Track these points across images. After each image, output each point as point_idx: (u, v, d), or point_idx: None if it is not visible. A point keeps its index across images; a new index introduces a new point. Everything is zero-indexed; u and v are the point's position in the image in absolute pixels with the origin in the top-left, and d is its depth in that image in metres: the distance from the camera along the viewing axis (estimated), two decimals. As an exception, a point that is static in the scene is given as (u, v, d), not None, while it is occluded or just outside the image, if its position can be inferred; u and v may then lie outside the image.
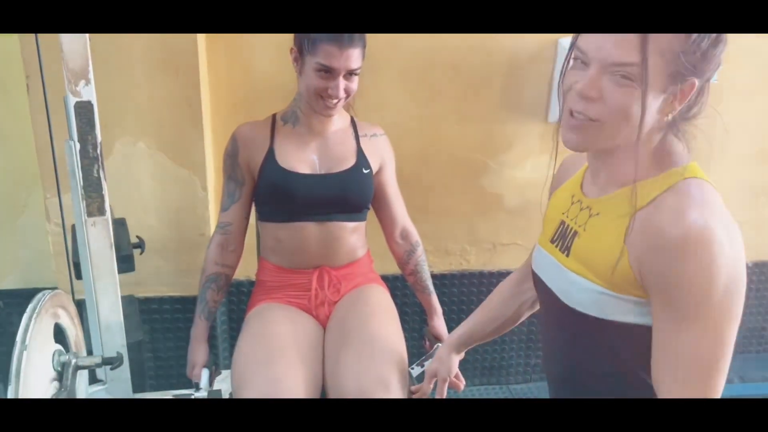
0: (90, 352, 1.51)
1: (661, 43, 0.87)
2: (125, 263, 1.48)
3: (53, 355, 1.23)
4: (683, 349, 0.89)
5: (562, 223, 1.09)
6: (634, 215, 0.94)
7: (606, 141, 0.95)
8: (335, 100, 1.50)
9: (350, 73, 1.48)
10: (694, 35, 0.87)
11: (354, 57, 1.46)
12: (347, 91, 1.50)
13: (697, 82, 0.91)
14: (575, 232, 1.05)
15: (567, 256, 1.05)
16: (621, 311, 0.97)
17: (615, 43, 0.87)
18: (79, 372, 1.32)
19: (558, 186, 1.18)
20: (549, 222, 1.14)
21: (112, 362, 1.38)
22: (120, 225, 1.54)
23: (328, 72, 1.46)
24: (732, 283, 0.87)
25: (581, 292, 1.01)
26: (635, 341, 0.96)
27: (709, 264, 0.86)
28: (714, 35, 0.88)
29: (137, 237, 1.56)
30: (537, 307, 1.27)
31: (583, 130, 0.93)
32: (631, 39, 0.87)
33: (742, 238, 0.90)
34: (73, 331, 1.39)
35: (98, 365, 1.33)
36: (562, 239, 1.07)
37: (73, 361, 1.26)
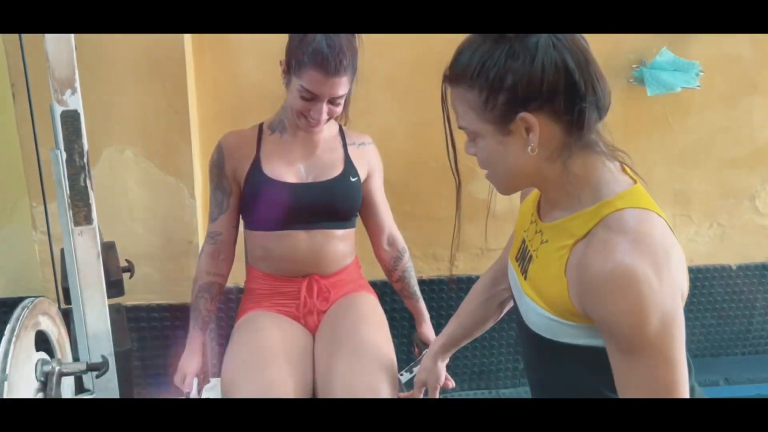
0: (76, 360, 1.50)
1: (465, 97, 0.93)
2: (115, 288, 1.45)
3: (36, 365, 1.22)
4: (638, 379, 0.87)
5: (523, 242, 1.09)
6: (572, 247, 0.93)
7: (511, 184, 0.99)
8: (316, 122, 1.49)
9: (335, 98, 1.47)
10: (485, 92, 0.90)
11: (339, 85, 1.43)
12: (330, 114, 1.49)
13: (526, 113, 0.89)
14: (531, 257, 1.04)
15: (525, 279, 1.05)
16: (572, 335, 0.96)
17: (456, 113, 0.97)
18: (64, 380, 1.29)
19: (526, 195, 1.17)
20: (516, 235, 1.14)
21: (98, 368, 1.36)
22: (109, 248, 1.50)
23: (311, 96, 1.44)
24: (667, 314, 0.85)
25: (535, 316, 1.01)
26: (591, 361, 0.95)
27: (637, 303, 0.84)
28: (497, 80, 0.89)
29: (126, 260, 1.54)
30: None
31: (489, 179, 1.01)
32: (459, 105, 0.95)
33: (680, 262, 0.89)
34: (56, 331, 1.36)
35: (83, 372, 1.31)
36: (522, 260, 1.07)
37: (57, 369, 1.24)
